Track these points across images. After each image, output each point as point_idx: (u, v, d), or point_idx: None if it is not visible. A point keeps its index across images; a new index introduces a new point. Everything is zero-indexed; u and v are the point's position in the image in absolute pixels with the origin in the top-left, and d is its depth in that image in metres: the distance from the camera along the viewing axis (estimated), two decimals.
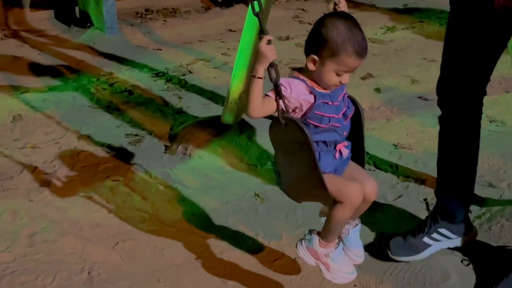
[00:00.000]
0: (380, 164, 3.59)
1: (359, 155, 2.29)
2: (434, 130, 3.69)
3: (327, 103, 2.10)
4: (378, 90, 4.65)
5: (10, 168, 3.59)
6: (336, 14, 2.11)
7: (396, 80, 4.86)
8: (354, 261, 2.40)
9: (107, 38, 5.65)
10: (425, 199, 3.01)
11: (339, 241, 2.31)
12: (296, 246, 2.33)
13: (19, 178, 3.48)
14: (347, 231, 2.32)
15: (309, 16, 6.45)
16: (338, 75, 2.05)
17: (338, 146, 2.16)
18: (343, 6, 2.17)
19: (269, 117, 2.07)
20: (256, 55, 2.03)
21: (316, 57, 2.05)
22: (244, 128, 3.80)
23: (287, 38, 5.76)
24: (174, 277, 2.70)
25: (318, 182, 2.06)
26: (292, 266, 2.73)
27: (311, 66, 2.08)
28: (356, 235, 2.40)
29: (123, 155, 3.75)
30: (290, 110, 2.07)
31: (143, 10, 6.43)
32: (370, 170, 3.51)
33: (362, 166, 2.31)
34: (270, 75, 2.01)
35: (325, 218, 2.26)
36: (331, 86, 2.09)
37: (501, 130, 3.99)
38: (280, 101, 2.03)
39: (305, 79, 2.12)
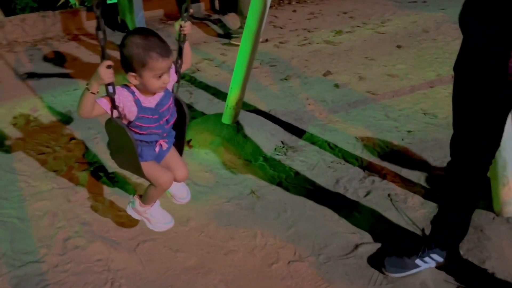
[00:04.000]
0: (348, 158, 3.24)
1: (180, 144, 2.28)
2: (384, 123, 3.62)
3: (147, 117, 1.99)
4: (337, 86, 4.30)
5: (56, 164, 3.24)
6: (131, 32, 1.92)
7: (348, 77, 4.49)
8: (181, 203, 2.53)
9: None
10: (389, 195, 2.82)
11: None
12: (126, 208, 2.42)
13: (62, 175, 3.13)
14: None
15: (280, 21, 6.17)
16: (157, 79, 1.91)
17: (159, 141, 2.13)
18: (187, 30, 2.04)
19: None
20: (95, 73, 1.81)
21: (133, 73, 1.90)
22: (239, 127, 3.42)
23: (266, 40, 5.46)
24: (185, 285, 2.32)
25: (138, 170, 2.08)
26: (286, 271, 2.37)
27: (134, 81, 1.93)
28: (177, 185, 2.46)
29: None
30: (118, 116, 1.96)
31: (165, 18, 6.20)
32: (341, 164, 3.17)
33: (181, 153, 2.31)
34: (107, 89, 1.86)
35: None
36: (158, 89, 1.96)
37: (435, 122, 3.65)
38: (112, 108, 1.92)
39: (135, 90, 1.97)
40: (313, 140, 3.47)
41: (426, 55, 4.90)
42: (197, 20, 6.15)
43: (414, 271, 2.31)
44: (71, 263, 2.44)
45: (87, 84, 1.84)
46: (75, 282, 2.32)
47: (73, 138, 3.56)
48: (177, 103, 2.16)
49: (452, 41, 5.22)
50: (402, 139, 3.48)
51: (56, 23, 5.79)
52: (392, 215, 2.71)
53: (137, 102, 1.96)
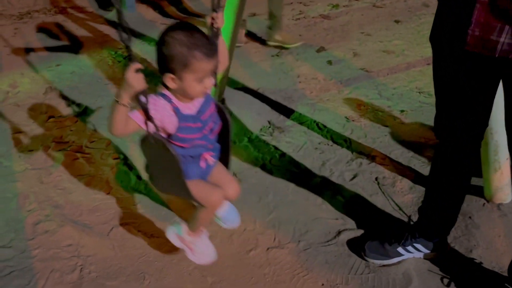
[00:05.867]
0: (336, 139, 3.12)
1: (225, 158, 2.02)
2: (376, 101, 3.49)
3: (190, 126, 1.77)
4: (330, 62, 4.16)
5: (32, 143, 3.14)
6: (173, 28, 1.69)
7: (342, 53, 4.34)
8: (231, 227, 2.28)
9: (127, 15, 5.17)
10: (376, 179, 2.72)
11: (202, 230, 2.11)
12: (167, 231, 2.13)
13: (37, 155, 3.03)
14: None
15: None
16: (199, 82, 1.69)
17: (204, 155, 1.89)
18: (220, 23, 1.85)
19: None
20: (123, 82, 1.57)
21: (172, 75, 1.68)
22: (225, 105, 3.18)
23: (254, 14, 5.16)
24: (159, 272, 2.25)
25: (184, 190, 1.83)
26: (265, 259, 2.29)
27: (172, 85, 1.70)
28: (226, 207, 2.22)
29: None
30: (155, 130, 1.72)
31: None
32: (328, 145, 3.07)
33: (227, 167, 2.05)
34: (139, 100, 1.61)
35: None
36: (199, 94, 1.74)
37: (430, 102, 3.49)
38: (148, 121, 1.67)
39: (172, 96, 1.74)
40: (301, 120, 3.35)
41: (425, 31, 4.71)
42: None
43: (395, 259, 2.22)
44: (39, 248, 2.34)
45: (115, 96, 1.59)
46: (41, 268, 2.22)
47: (51, 117, 3.44)
48: (218, 109, 1.91)
49: None
50: (394, 119, 3.34)
51: None
52: (378, 200, 2.60)
53: (176, 110, 1.73)
